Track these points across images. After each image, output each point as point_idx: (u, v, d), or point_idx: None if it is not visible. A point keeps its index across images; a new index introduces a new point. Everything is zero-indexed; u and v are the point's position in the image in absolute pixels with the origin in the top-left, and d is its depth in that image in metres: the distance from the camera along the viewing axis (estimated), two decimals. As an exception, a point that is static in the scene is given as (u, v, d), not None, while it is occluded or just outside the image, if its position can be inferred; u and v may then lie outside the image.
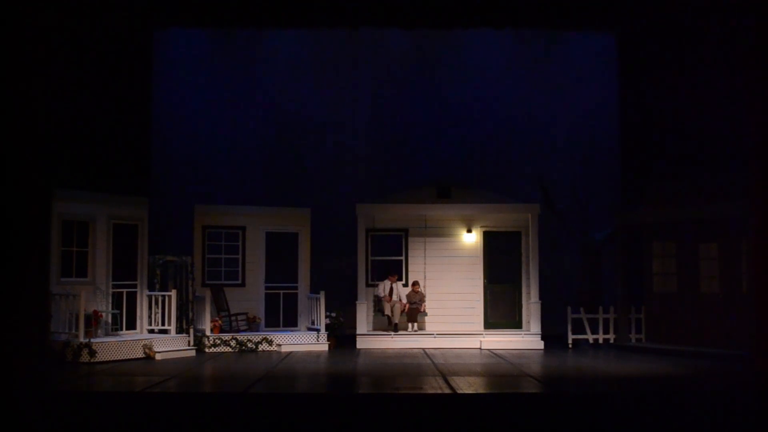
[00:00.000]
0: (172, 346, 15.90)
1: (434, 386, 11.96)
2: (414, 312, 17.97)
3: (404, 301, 18.05)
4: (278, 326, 18.02)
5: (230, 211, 18.26)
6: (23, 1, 11.76)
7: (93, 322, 15.02)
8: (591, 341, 18.35)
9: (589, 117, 21.24)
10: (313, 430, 10.19)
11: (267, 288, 18.09)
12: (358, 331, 17.79)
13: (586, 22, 19.75)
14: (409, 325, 18.02)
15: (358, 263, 18.17)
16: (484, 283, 18.67)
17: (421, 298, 18.20)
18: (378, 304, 18.24)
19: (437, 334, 17.83)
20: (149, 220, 16.65)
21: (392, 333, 17.85)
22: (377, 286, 18.30)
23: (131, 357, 15.14)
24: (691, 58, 17.96)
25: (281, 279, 18.16)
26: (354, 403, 11.16)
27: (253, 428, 10.25)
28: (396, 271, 18.54)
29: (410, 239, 18.75)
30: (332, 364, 15.27)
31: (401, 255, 18.83)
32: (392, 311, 17.90)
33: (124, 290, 16.11)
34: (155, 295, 16.41)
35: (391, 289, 18.16)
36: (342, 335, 18.12)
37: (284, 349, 16.93)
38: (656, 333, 17.65)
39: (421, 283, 18.60)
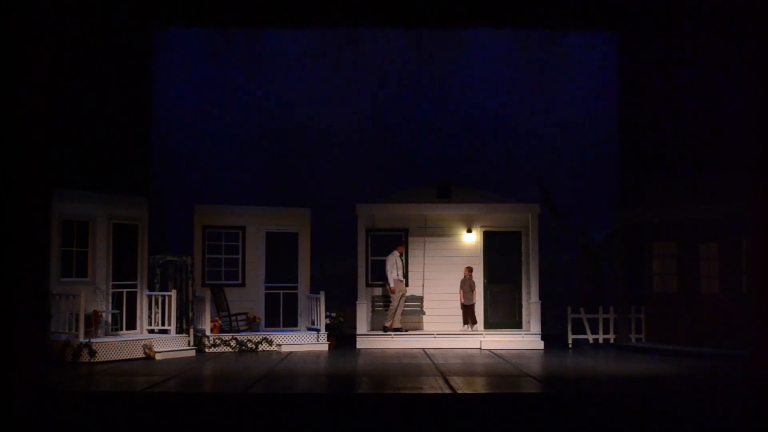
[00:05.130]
0: (172, 346, 15.89)
1: (434, 386, 11.96)
2: (471, 311, 17.96)
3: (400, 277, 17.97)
4: (278, 326, 18.01)
5: (230, 211, 18.25)
6: (23, 1, 11.75)
7: (93, 322, 15.02)
8: (591, 341, 18.35)
9: (588, 117, 21.24)
10: (313, 430, 10.19)
11: (267, 288, 18.08)
12: (358, 331, 17.78)
13: (586, 22, 19.74)
14: (467, 326, 18.01)
15: (358, 263, 18.16)
16: (484, 283, 18.65)
17: (472, 287, 18.09)
18: (381, 299, 18.20)
19: (437, 334, 17.82)
20: (149, 220, 16.66)
21: (392, 333, 17.85)
22: (386, 260, 18.04)
23: (131, 357, 15.14)
24: (691, 57, 17.96)
25: (281, 279, 18.16)
26: (354, 403, 11.16)
27: (253, 428, 10.25)
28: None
29: (410, 239, 18.73)
30: (332, 364, 15.27)
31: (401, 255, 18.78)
32: (396, 311, 17.86)
33: (124, 290, 16.11)
34: (155, 295, 16.41)
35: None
36: (342, 335, 18.11)
37: (284, 349, 16.93)
38: (656, 333, 17.65)
39: (420, 283, 18.59)
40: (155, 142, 20.39)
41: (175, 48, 21.12)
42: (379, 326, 18.31)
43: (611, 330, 18.32)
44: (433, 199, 18.41)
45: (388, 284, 17.94)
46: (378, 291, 18.61)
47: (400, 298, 17.93)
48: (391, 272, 17.95)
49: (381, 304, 18.44)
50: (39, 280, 11.83)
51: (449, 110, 21.43)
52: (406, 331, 17.99)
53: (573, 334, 18.31)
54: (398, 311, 17.92)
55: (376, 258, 18.62)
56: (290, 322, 18.12)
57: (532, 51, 21.45)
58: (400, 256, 18.15)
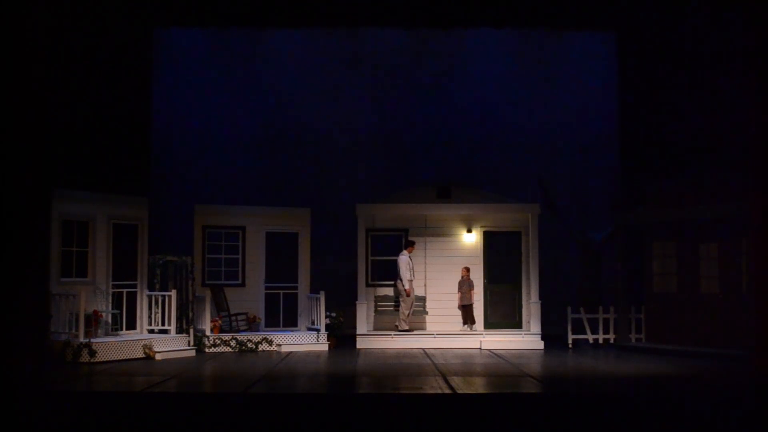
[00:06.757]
0: (172, 346, 15.89)
1: (434, 386, 11.96)
2: (469, 311, 17.93)
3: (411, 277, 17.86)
4: (278, 326, 18.00)
5: (230, 211, 18.25)
6: (23, 1, 11.75)
7: (93, 322, 15.01)
8: (591, 341, 18.34)
9: (589, 116, 21.24)
10: (313, 430, 10.19)
11: (267, 288, 18.08)
12: (358, 331, 17.77)
13: (586, 22, 19.76)
14: (466, 327, 17.95)
15: (358, 263, 18.14)
16: (484, 283, 18.65)
17: (471, 286, 18.05)
18: (384, 298, 18.19)
19: (437, 334, 17.81)
20: (149, 220, 16.65)
21: (392, 333, 17.84)
22: (399, 261, 17.91)
23: (131, 357, 15.14)
24: (690, 57, 17.96)
25: (281, 279, 18.15)
26: (354, 403, 11.16)
27: (253, 428, 10.25)
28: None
29: (410, 239, 18.69)
30: (332, 364, 15.27)
31: (401, 255, 18.77)
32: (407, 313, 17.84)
33: (124, 290, 16.11)
34: (155, 295, 16.40)
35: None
36: (342, 335, 18.10)
37: (284, 349, 16.93)
38: (656, 333, 17.64)
39: (422, 283, 18.56)
40: (155, 142, 20.39)
41: (175, 48, 21.11)
42: (382, 326, 18.30)
43: (611, 330, 18.31)
44: (433, 199, 18.41)
45: (404, 286, 17.89)
46: (381, 291, 18.59)
47: (413, 300, 17.95)
48: (405, 273, 17.90)
49: (384, 304, 18.41)
50: (39, 280, 11.84)
51: (449, 110, 21.43)
52: (411, 331, 18.01)
53: (573, 334, 18.31)
54: (403, 317, 17.92)
55: (376, 258, 18.62)
56: (290, 322, 18.11)
57: (533, 51, 21.45)
58: (409, 256, 18.12)
